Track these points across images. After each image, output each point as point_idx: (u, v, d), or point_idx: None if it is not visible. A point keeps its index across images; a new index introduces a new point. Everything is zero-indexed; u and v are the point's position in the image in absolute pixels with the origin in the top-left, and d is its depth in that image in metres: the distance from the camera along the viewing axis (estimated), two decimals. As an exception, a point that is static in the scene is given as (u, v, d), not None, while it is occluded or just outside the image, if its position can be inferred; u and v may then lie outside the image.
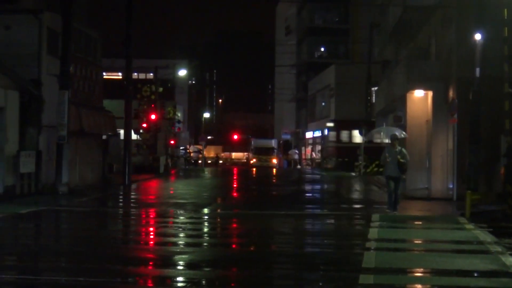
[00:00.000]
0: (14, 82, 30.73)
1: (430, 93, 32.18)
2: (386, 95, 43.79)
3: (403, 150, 23.29)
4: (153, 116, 56.03)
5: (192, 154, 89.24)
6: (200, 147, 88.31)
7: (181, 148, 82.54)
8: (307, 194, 37.36)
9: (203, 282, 12.12)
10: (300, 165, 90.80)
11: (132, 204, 29.71)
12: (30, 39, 32.40)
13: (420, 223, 21.69)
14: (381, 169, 32.22)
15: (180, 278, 12.33)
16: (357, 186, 44.08)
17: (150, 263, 13.63)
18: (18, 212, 22.69)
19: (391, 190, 22.86)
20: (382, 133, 33.25)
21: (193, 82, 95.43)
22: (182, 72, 74.65)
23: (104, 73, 48.08)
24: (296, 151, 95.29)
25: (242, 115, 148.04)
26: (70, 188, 30.93)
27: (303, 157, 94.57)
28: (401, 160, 22.29)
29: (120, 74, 55.51)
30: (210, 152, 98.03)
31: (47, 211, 24.09)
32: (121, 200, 32.23)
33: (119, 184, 37.77)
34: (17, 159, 30.00)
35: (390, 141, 24.48)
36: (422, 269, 12.73)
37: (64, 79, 29.81)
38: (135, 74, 54.15)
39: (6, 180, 29.33)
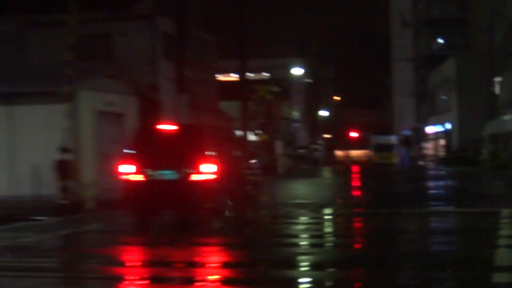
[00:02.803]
0: (132, 88, 31.47)
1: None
2: (511, 86, 42.53)
3: None
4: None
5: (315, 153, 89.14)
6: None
7: (300, 147, 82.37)
8: (431, 191, 36.61)
9: (328, 283, 11.97)
10: (423, 161, 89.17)
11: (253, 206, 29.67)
12: (145, 44, 33.12)
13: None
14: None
15: (304, 279, 12.19)
16: (482, 181, 42.96)
17: (274, 264, 13.55)
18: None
19: None
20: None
21: (309, 80, 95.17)
22: (298, 71, 74.30)
23: (219, 75, 48.55)
24: (427, 145, 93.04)
25: (359, 112, 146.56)
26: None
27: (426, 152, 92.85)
28: None
29: (235, 75, 55.93)
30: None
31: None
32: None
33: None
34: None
35: None
36: None
37: (181, 83, 30.27)
38: (250, 74, 54.43)
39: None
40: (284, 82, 73.14)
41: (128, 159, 19.08)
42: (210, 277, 12.17)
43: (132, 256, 15.50)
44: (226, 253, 15.48)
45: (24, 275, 12.89)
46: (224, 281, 11.81)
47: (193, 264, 13.40)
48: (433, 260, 13.75)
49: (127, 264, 14.29)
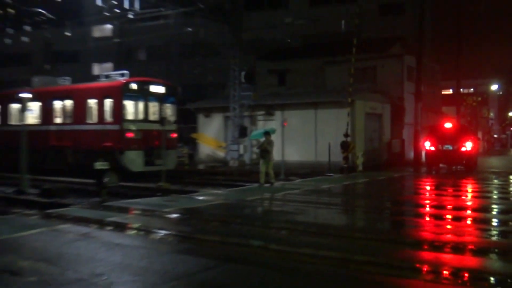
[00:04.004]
0: (387, 99, 30.81)
1: None
2: None
3: None
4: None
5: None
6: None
7: (494, 136, 75.70)
8: None
9: (511, 223, 10.78)
10: None
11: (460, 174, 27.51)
12: (396, 72, 32.23)
13: None
14: None
15: (495, 220, 11.17)
16: None
17: (473, 209, 12.44)
18: (393, 176, 22.46)
19: None
20: None
21: (501, 92, 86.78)
22: (494, 86, 69.03)
23: (442, 90, 45.93)
24: None
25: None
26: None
27: None
28: None
29: (452, 90, 52.40)
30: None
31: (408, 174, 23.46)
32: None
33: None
34: (390, 144, 30.14)
35: None
36: None
37: (418, 95, 28.91)
38: (462, 89, 50.86)
39: (384, 156, 29.67)
40: (485, 94, 68.22)
41: (428, 140, 24.46)
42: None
43: (392, 196, 15.05)
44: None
45: (322, 207, 13.02)
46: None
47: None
48: None
49: (384, 200, 13.92)
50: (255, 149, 28.56)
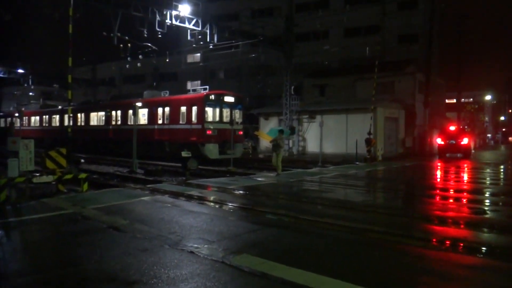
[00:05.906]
0: (402, 106, 29.21)
1: None
2: None
3: None
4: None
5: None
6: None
7: (488, 136, 70.57)
8: None
9: (500, 203, 9.63)
10: None
11: (460, 162, 25.63)
12: (409, 86, 30.49)
13: None
14: None
15: (486, 201, 9.89)
16: None
17: (466, 191, 11.31)
18: (405, 164, 21.13)
19: None
20: None
21: (494, 101, 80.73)
22: (488, 96, 64.50)
23: (446, 99, 43.22)
24: None
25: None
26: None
27: None
28: None
29: (454, 100, 49.28)
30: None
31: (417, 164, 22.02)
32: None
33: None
34: (404, 141, 28.62)
35: None
36: None
37: (426, 103, 27.34)
38: (462, 99, 47.60)
39: (398, 150, 28.14)
40: (481, 102, 63.72)
41: (440, 137, 25.62)
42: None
43: (408, 177, 14.09)
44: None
45: (348, 187, 12.30)
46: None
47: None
48: None
49: (398, 180, 13.02)
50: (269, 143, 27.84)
